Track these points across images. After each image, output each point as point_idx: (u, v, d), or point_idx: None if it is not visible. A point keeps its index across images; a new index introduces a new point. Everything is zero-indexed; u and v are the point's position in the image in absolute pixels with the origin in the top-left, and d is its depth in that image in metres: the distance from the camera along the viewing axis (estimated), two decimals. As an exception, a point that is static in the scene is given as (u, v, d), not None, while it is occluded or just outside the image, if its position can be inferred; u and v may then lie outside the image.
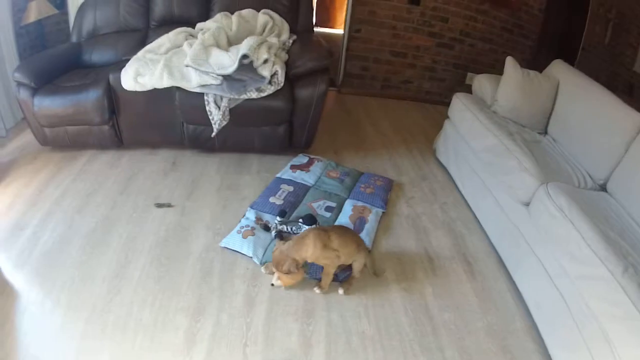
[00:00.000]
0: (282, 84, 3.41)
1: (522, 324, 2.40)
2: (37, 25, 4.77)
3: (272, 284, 2.45)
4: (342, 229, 2.58)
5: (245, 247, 2.72)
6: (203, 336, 2.23)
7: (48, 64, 3.88)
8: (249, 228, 2.85)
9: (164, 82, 3.37)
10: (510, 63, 3.43)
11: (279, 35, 3.97)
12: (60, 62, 4.01)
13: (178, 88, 3.43)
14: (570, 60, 3.58)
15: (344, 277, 2.57)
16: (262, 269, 2.60)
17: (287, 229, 2.84)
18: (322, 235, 2.38)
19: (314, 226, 2.76)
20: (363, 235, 2.87)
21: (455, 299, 2.53)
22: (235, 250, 2.75)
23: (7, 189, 3.40)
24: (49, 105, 3.58)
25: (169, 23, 4.18)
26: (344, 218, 3.05)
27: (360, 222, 3.01)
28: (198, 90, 3.39)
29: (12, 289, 2.62)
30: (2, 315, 2.40)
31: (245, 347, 2.19)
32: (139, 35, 4.22)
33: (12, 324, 2.36)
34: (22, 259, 2.77)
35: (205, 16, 4.20)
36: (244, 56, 3.37)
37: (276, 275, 2.41)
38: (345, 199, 3.27)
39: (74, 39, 4.32)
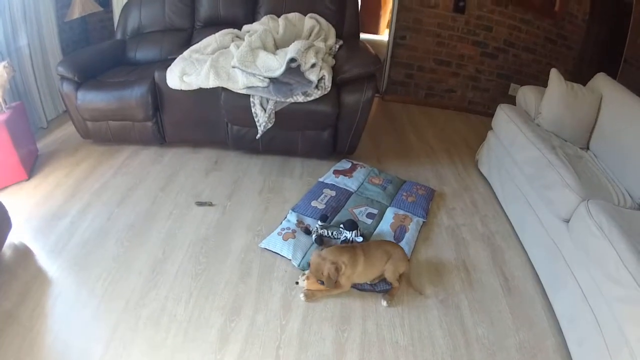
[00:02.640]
0: (329, 89, 3.35)
1: (553, 342, 2.30)
2: (81, 21, 4.87)
3: (297, 282, 2.45)
4: (372, 246, 2.56)
5: (285, 249, 2.67)
6: (237, 336, 2.20)
7: (92, 60, 3.94)
8: (290, 231, 2.80)
9: (210, 82, 3.35)
10: (554, 75, 3.31)
11: (325, 40, 3.92)
12: (104, 58, 4.06)
13: (224, 89, 3.41)
14: (613, 72, 3.44)
15: (382, 288, 2.49)
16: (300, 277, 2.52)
17: (327, 233, 2.78)
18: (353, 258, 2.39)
19: (355, 237, 2.73)
20: (403, 244, 2.79)
21: (490, 314, 2.44)
22: (274, 252, 2.70)
23: (47, 178, 3.43)
24: (92, 99, 3.61)
25: (214, 24, 4.20)
26: (385, 226, 2.96)
27: (400, 230, 2.92)
28: (244, 91, 3.36)
29: (46, 276, 2.63)
30: (34, 299, 2.41)
31: (278, 349, 2.15)
32: (184, 35, 4.25)
33: (42, 308, 2.37)
34: (59, 248, 2.79)
35: (251, 18, 4.20)
36: (292, 60, 3.32)
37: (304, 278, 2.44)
38: (387, 207, 3.19)
39: (118, 36, 4.38)
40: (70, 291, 2.49)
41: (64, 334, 2.19)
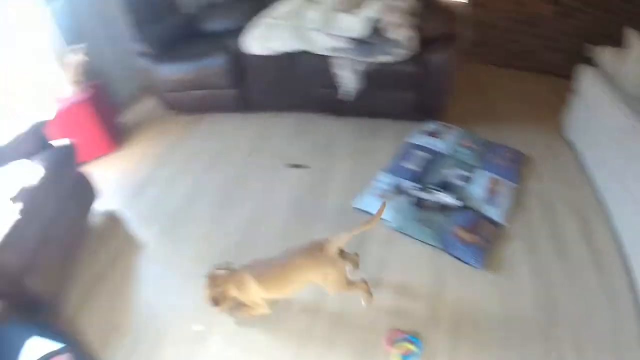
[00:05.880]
0: (413, 49, 3.24)
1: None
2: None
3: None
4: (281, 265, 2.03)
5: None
6: (334, 296, 2.18)
7: (166, 34, 4.00)
8: (384, 191, 2.76)
9: (293, 46, 3.34)
10: (633, 36, 3.09)
11: (404, -1, 3.81)
12: (177, 32, 4.12)
13: (306, 52, 3.38)
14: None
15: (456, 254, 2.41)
16: None
17: (423, 195, 2.70)
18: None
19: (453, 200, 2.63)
20: (495, 209, 2.70)
21: (578, 288, 2.29)
22: (368, 212, 2.66)
23: (133, 150, 3.53)
24: (172, 71, 3.68)
25: (285, -10, 4.14)
26: (478, 189, 2.85)
27: (493, 195, 2.81)
28: (327, 53, 3.31)
29: (136, 242, 2.70)
30: (125, 265, 2.51)
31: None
32: (256, 3, 4.19)
33: (132, 274, 2.47)
34: (149, 214, 2.87)
35: (322, -18, 4.11)
36: (374, 19, 3.24)
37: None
38: (478, 169, 3.06)
39: (187, 9, 4.41)
40: (161, 255, 2.55)
41: (153, 301, 2.31)
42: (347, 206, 2.75)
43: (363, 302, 2.16)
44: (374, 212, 2.53)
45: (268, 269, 2.02)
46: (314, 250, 1.97)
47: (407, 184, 2.84)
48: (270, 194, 2.90)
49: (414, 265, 2.36)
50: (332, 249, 1.93)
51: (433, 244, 2.45)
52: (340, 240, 1.95)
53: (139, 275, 2.53)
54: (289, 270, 1.99)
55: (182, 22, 4.27)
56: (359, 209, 2.71)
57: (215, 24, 4.20)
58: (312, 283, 2.02)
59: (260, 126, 3.71)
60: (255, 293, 2.02)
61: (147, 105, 4.20)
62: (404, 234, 2.54)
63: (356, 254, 2.22)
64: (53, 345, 2.06)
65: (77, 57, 3.62)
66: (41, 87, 3.68)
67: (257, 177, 3.06)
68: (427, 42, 3.33)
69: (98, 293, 2.47)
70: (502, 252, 2.45)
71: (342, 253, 2.00)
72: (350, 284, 2.06)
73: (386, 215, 2.58)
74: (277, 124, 3.72)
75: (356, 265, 2.22)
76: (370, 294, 2.12)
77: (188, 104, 3.81)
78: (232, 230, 2.64)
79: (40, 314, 2.44)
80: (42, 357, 2.01)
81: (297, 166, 3.12)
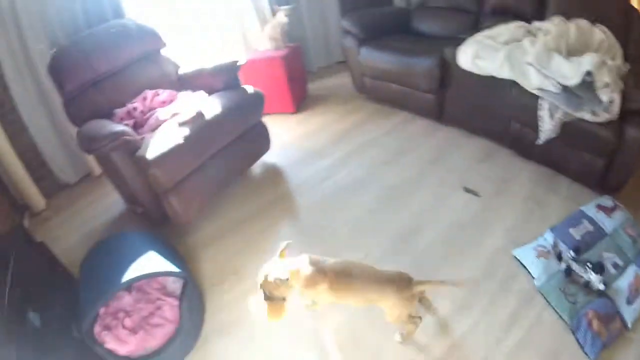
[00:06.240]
0: (617, 115, 3.11)
1: None
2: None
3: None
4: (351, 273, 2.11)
5: (534, 266, 2.67)
6: (454, 331, 2.26)
7: (376, 21, 4.20)
8: (545, 250, 2.77)
9: (504, 73, 3.34)
10: None
11: (613, 58, 3.65)
12: (387, 22, 4.32)
13: (514, 83, 3.36)
14: None
15: (581, 336, 2.37)
16: None
17: (575, 267, 2.69)
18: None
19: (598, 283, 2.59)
20: (631, 309, 2.59)
21: None
22: (522, 264, 2.70)
23: (313, 118, 3.72)
24: (376, 58, 3.86)
25: (502, 13, 4.13)
26: (623, 282, 2.75)
27: (634, 294, 2.69)
28: (535, 92, 3.28)
29: (290, 203, 2.89)
30: (269, 222, 2.72)
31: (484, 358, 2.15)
32: (471, 17, 4.26)
33: (272, 232, 2.66)
34: (311, 183, 3.04)
35: (538, 14, 4.02)
36: (588, 73, 3.15)
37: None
38: (632, 264, 2.92)
39: (401, 4, 4.54)
40: (310, 224, 2.68)
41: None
42: (505, 251, 2.77)
43: (399, 337, 2.24)
44: (529, 266, 2.66)
45: (346, 271, 2.09)
46: (401, 281, 2.05)
47: (565, 250, 2.84)
48: (434, 209, 2.97)
49: (539, 332, 2.35)
50: (418, 289, 2.07)
51: (566, 319, 2.45)
52: (426, 285, 2.10)
53: (279, 235, 2.68)
54: (366, 284, 2.07)
55: (393, 14, 4.43)
56: (516, 259, 2.74)
57: (426, 26, 4.36)
58: (375, 304, 2.12)
59: (446, 139, 3.74)
60: (319, 290, 2.08)
61: (339, 81, 4.36)
62: (543, 296, 2.55)
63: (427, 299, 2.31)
64: (169, 266, 2.20)
65: (279, 17, 3.89)
66: (239, 36, 4.01)
67: (430, 188, 3.13)
68: (626, 113, 3.16)
69: (230, 236, 2.68)
70: (615, 353, 2.38)
71: (421, 295, 2.20)
72: (411, 320, 2.18)
73: (535, 271, 2.65)
74: (462, 143, 3.73)
75: (428, 309, 2.33)
76: (413, 334, 2.24)
77: (381, 94, 3.97)
78: (382, 233, 2.73)
79: (167, 232, 2.73)
80: (157, 272, 2.15)
81: (470, 191, 3.17)
